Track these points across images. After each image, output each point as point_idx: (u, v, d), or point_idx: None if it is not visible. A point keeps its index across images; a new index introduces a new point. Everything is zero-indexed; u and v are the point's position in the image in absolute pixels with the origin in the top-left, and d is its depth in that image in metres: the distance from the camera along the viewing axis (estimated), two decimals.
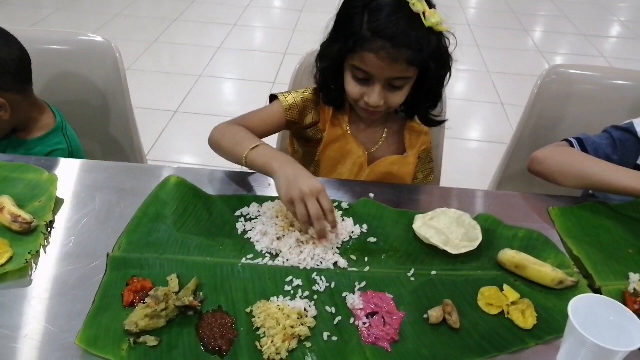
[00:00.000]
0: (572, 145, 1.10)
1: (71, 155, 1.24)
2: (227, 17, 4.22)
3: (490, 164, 1.75)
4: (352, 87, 1.03)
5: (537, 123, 1.45)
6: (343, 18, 1.01)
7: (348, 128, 1.13)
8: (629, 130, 1.10)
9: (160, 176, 1.01)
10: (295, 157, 1.20)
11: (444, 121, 1.15)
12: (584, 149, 1.09)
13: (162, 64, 3.47)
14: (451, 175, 1.63)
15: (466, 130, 2.91)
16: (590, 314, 0.70)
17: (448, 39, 1.00)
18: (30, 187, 0.96)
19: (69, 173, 1.02)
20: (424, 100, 1.08)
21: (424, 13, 0.94)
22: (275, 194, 0.92)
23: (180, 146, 2.60)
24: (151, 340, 0.72)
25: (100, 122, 1.47)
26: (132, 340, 0.71)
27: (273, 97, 1.13)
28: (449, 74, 1.04)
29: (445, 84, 1.06)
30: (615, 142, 1.09)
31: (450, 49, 1.02)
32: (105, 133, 1.49)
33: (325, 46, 1.06)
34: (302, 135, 1.17)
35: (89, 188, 0.99)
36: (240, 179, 1.05)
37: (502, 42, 4.08)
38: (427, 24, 0.94)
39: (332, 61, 1.03)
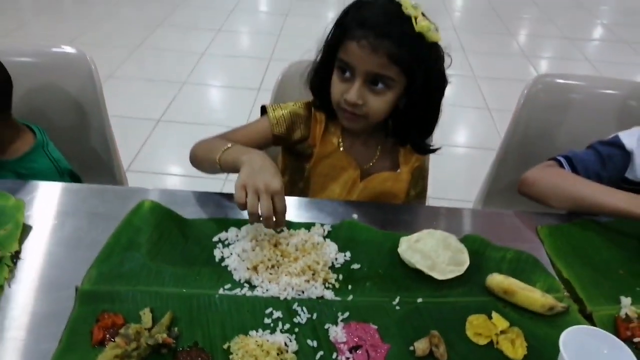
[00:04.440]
0: (561, 165, 1.08)
1: (59, 171, 1.19)
2: (211, 22, 4.17)
3: (478, 170, 1.73)
4: (336, 87, 1.00)
5: (524, 132, 1.45)
6: (339, 16, 1.00)
7: (341, 143, 1.09)
8: (616, 143, 1.09)
9: (134, 199, 0.96)
10: (285, 173, 1.16)
11: (436, 149, 1.11)
12: (573, 168, 1.07)
13: (145, 71, 3.40)
14: (438, 183, 1.60)
15: (453, 135, 2.89)
16: (582, 348, 0.67)
17: (442, 56, 0.98)
18: None
19: (37, 197, 0.97)
20: (413, 122, 1.04)
21: (415, 18, 0.92)
22: None
23: (163, 155, 2.54)
24: None
25: (76, 137, 1.42)
26: None
27: (264, 109, 1.10)
28: (441, 100, 1.02)
29: (438, 111, 1.04)
30: (602, 158, 1.07)
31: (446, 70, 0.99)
32: (82, 148, 1.43)
33: (322, 44, 1.04)
34: (292, 150, 1.13)
35: (58, 213, 0.94)
36: (220, 201, 1.01)
37: (487, 46, 4.08)
38: (417, 28, 0.92)
39: (324, 55, 1.03)
